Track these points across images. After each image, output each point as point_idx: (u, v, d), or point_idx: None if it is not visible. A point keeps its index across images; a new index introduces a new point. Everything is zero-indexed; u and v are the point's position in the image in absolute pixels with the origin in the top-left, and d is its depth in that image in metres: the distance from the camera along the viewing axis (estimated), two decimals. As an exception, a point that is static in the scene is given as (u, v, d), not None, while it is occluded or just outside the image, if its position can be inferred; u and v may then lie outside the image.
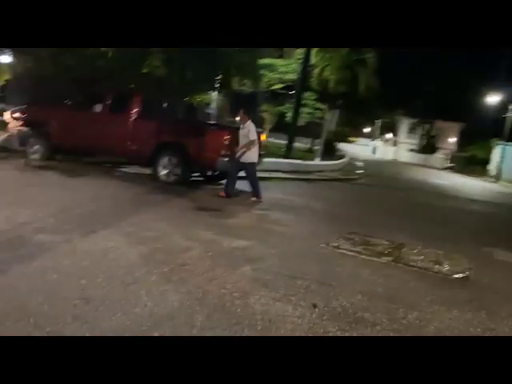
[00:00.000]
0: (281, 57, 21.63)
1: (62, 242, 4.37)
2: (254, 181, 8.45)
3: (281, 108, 25.46)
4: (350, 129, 43.70)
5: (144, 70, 9.29)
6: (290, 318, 3.36)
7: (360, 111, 22.90)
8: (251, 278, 4.12)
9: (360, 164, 27.58)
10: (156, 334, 2.84)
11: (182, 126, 9.38)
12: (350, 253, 5.46)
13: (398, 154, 54.24)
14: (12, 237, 4.34)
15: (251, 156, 8.33)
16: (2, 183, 6.96)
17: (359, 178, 18.28)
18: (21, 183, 7.14)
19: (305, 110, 24.00)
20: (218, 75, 10.67)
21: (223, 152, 8.51)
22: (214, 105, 28.29)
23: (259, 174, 11.99)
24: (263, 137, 10.46)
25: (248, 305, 3.49)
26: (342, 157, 27.71)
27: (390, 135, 56.95)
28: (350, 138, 50.93)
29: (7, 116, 10.52)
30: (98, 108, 9.49)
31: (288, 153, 17.06)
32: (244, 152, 8.22)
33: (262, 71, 16.73)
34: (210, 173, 9.90)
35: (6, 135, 11.09)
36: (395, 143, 56.60)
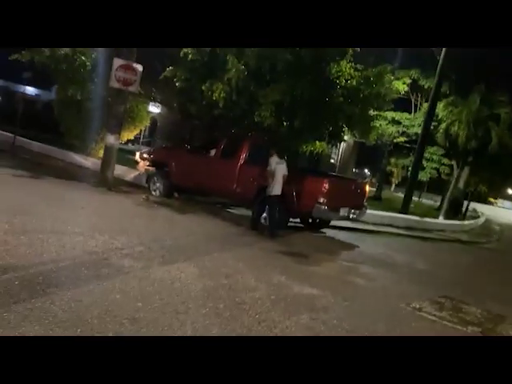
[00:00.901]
0: (405, 111, 21.12)
1: (139, 268, 4.77)
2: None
3: (405, 161, 24.53)
4: (489, 189, 39.85)
5: (256, 119, 9.81)
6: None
7: (495, 170, 20.89)
8: (304, 326, 4.01)
9: (496, 228, 24.90)
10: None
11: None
12: (431, 317, 4.98)
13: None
14: (100, 258, 4.86)
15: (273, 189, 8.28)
16: (116, 212, 7.85)
17: (487, 242, 16.49)
18: (132, 214, 7.96)
19: (430, 164, 22.81)
20: (327, 126, 10.81)
21: (321, 200, 8.49)
22: (337, 154, 28.61)
23: (365, 227, 11.76)
24: (367, 187, 10.20)
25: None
26: (474, 217, 25.39)
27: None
28: (490, 199, 46.46)
29: (137, 156, 11.91)
30: (213, 152, 10.25)
31: (405, 208, 16.24)
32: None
33: (382, 123, 16.48)
34: (310, 220, 9.98)
35: (136, 173, 12.53)
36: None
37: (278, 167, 8.40)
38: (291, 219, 9.45)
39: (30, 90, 31.22)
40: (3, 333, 2.90)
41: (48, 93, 25.84)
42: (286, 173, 8.44)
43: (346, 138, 14.14)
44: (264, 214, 9.00)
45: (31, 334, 2.94)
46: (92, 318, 3.35)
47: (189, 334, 3.39)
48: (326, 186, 8.49)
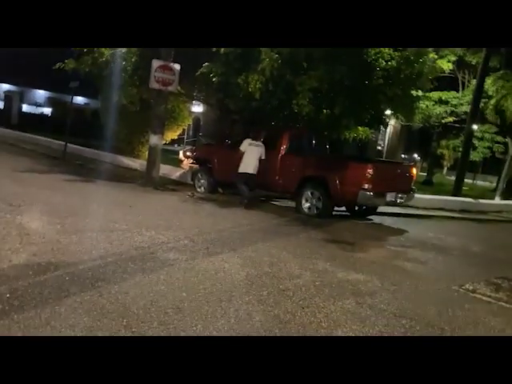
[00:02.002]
0: (453, 90, 20.21)
1: (184, 260, 4.85)
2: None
3: (455, 142, 23.52)
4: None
5: (294, 109, 9.72)
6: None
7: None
8: (350, 311, 3.93)
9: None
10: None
11: (325, 161, 9.51)
12: (486, 298, 4.74)
13: None
14: (146, 253, 4.99)
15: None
16: (162, 209, 8.03)
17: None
18: (177, 210, 8.13)
19: (482, 144, 21.74)
20: (369, 110, 10.53)
21: (366, 186, 8.31)
22: (384, 140, 27.88)
23: (415, 211, 11.40)
24: (414, 170, 9.86)
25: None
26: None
27: None
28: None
29: (181, 155, 12.16)
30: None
31: (457, 190, 15.59)
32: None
33: (428, 104, 15.87)
34: (356, 207, 9.80)
35: (181, 171, 12.79)
36: None
37: (249, 148, 9.12)
38: (336, 208, 9.32)
39: (79, 99, 32.58)
40: (55, 324, 3.03)
41: (96, 101, 26.96)
42: (263, 156, 9.18)
43: (391, 122, 13.75)
44: (308, 204, 8.97)
45: (81, 325, 3.06)
46: (138, 309, 3.43)
47: (232, 321, 3.41)
48: (370, 171, 8.30)
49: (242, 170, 9.23)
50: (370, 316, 3.86)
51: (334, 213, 9.25)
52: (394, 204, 9.26)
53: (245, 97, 9.76)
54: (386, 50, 10.28)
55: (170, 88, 10.54)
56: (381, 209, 10.06)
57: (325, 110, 10.43)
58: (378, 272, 5.35)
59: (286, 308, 3.80)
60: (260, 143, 9.33)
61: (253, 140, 9.33)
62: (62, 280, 3.84)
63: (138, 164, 14.10)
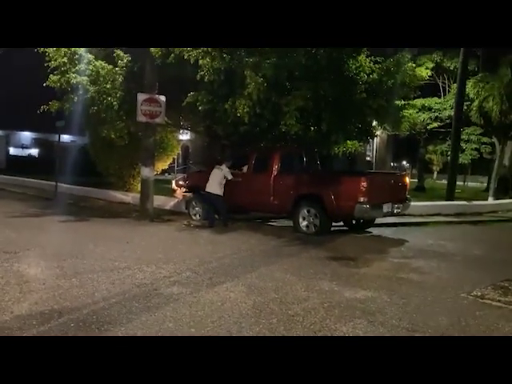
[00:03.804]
0: (434, 96, 20.55)
1: (188, 294, 4.77)
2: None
3: (443, 147, 23.77)
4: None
5: (282, 129, 9.79)
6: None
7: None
8: (362, 331, 3.86)
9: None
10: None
11: (318, 177, 9.58)
12: (495, 303, 4.70)
13: None
14: (149, 289, 4.90)
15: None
16: (161, 242, 7.95)
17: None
18: (176, 241, 8.05)
19: (469, 146, 22.00)
20: (355, 123, 10.63)
21: (362, 199, 8.32)
22: (372, 151, 28.09)
23: (412, 220, 11.41)
24: (407, 179, 9.93)
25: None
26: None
27: None
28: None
29: (173, 184, 12.12)
30: (245, 169, 10.30)
31: (450, 194, 15.68)
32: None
33: (412, 112, 16.07)
34: (354, 221, 9.80)
35: (175, 200, 12.73)
36: None
37: (213, 172, 9.87)
38: (334, 223, 9.31)
39: (65, 137, 32.55)
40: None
41: (82, 138, 26.92)
42: (229, 176, 9.79)
43: (377, 132, 13.86)
44: (305, 222, 8.96)
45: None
46: (148, 350, 3.34)
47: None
48: (364, 183, 8.34)
49: (206, 189, 9.90)
50: (384, 334, 3.80)
51: (332, 228, 9.24)
52: (391, 214, 9.26)
53: (233, 122, 9.82)
54: (367, 63, 10.45)
55: (158, 120, 10.57)
56: (378, 220, 10.06)
57: (312, 128, 10.53)
58: (385, 286, 5.30)
59: (297, 335, 3.73)
60: (222, 167, 9.86)
61: (217, 165, 10.01)
62: (68, 327, 3.73)
63: (130, 197, 14.04)
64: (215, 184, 9.81)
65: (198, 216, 10.95)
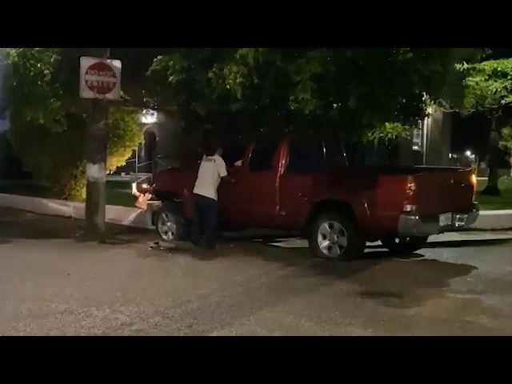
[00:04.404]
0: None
1: (158, 349, 4.76)
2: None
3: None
4: None
5: (292, 107, 9.77)
6: None
7: None
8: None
9: None
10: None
11: (345, 177, 9.61)
12: None
13: None
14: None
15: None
16: (117, 273, 7.93)
17: None
18: (139, 272, 8.02)
19: None
20: (398, 97, 10.63)
21: (409, 207, 8.33)
22: (421, 138, 28.16)
23: (481, 236, 11.43)
24: (473, 178, 9.93)
25: None
26: None
27: None
28: None
29: (134, 189, 12.13)
30: (238, 164, 10.30)
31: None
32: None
33: (479, 79, 16.09)
34: (398, 240, 9.82)
35: (137, 212, 12.75)
36: None
37: (202, 165, 9.96)
38: (368, 243, 9.33)
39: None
40: None
41: (2, 122, 26.64)
42: (222, 172, 9.85)
43: (429, 110, 13.82)
44: (327, 241, 8.97)
45: None
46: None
47: None
48: (413, 185, 8.32)
49: (195, 190, 10.00)
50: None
51: (366, 250, 9.28)
52: (451, 229, 9.25)
53: (220, 98, 9.77)
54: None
55: (110, 96, 10.57)
56: (432, 238, 10.05)
57: (336, 105, 10.51)
58: (444, 334, 5.29)
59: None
60: (215, 157, 9.90)
61: (207, 155, 10.10)
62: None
63: (72, 208, 14.06)
64: (206, 183, 9.87)
65: (170, 234, 10.98)
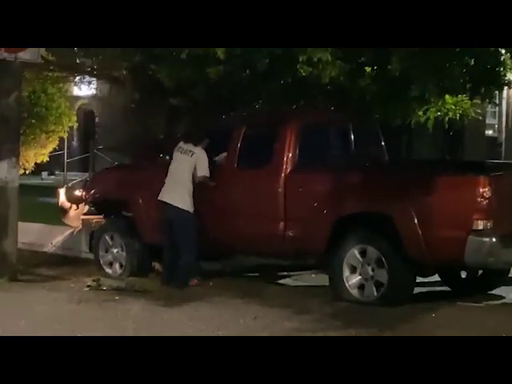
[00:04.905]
0: None
1: None
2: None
3: None
4: None
5: (302, 71, 9.79)
6: None
7: None
8: None
9: None
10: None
11: (384, 178, 9.63)
12: None
13: None
14: None
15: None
16: (40, 328, 7.82)
17: None
18: (68, 329, 7.84)
19: None
20: (464, 61, 10.66)
21: (481, 224, 8.31)
22: (499, 119, 28.21)
23: None
24: None
25: None
26: None
27: None
28: None
29: (62, 197, 12.02)
30: (221, 159, 10.27)
31: None
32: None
33: None
34: (465, 273, 9.81)
35: (66, 233, 12.69)
36: None
37: (176, 157, 10.18)
38: (420, 279, 9.30)
39: None
40: None
41: None
42: (201, 171, 9.99)
43: (511, 77, 13.86)
44: (357, 277, 8.94)
45: None
46: None
47: None
48: (487, 190, 8.29)
49: (162, 197, 10.18)
50: None
51: (416, 290, 9.27)
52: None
53: (194, 58, 9.77)
54: None
55: (25, 55, 10.51)
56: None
57: (369, 69, 10.51)
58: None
59: None
60: (196, 150, 10.02)
61: (181, 143, 10.31)
62: None
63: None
64: (180, 186, 9.98)
65: (117, 267, 10.97)
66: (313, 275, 10.16)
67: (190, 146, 9.94)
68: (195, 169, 9.86)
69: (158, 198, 9.98)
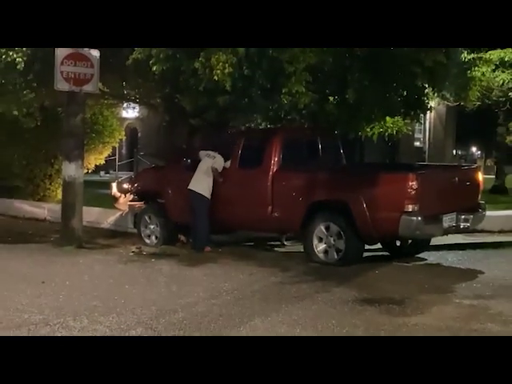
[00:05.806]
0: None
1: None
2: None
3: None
4: None
5: (285, 100, 9.79)
6: None
7: None
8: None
9: None
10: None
11: (343, 175, 9.66)
12: None
13: None
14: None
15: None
16: (95, 281, 7.87)
17: None
18: (120, 279, 7.98)
19: None
20: (399, 90, 10.69)
21: (410, 207, 8.37)
22: (424, 133, 28.23)
23: (488, 238, 11.46)
24: (479, 175, 9.96)
25: None
26: None
27: None
28: None
29: (114, 189, 12.06)
30: (227, 163, 10.31)
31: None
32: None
33: (486, 70, 16.17)
34: (399, 242, 9.85)
35: (117, 214, 12.70)
36: None
37: (203, 161, 10.22)
38: (367, 246, 9.36)
39: None
40: None
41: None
42: (217, 166, 10.13)
43: (432, 104, 13.88)
44: (323, 245, 8.98)
45: None
46: None
47: None
48: (414, 183, 8.35)
49: (190, 186, 10.18)
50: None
51: (365, 254, 9.32)
52: (455, 231, 9.28)
53: (207, 90, 9.78)
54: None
55: (88, 88, 10.52)
56: (436, 240, 10.09)
57: (333, 98, 10.54)
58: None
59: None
60: (216, 155, 10.25)
61: (208, 151, 10.36)
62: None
63: (46, 210, 13.98)
64: (203, 180, 10.10)
65: (154, 238, 10.97)
66: (294, 245, 10.21)
67: (214, 153, 10.13)
68: (213, 169, 10.07)
69: (188, 187, 10.07)
